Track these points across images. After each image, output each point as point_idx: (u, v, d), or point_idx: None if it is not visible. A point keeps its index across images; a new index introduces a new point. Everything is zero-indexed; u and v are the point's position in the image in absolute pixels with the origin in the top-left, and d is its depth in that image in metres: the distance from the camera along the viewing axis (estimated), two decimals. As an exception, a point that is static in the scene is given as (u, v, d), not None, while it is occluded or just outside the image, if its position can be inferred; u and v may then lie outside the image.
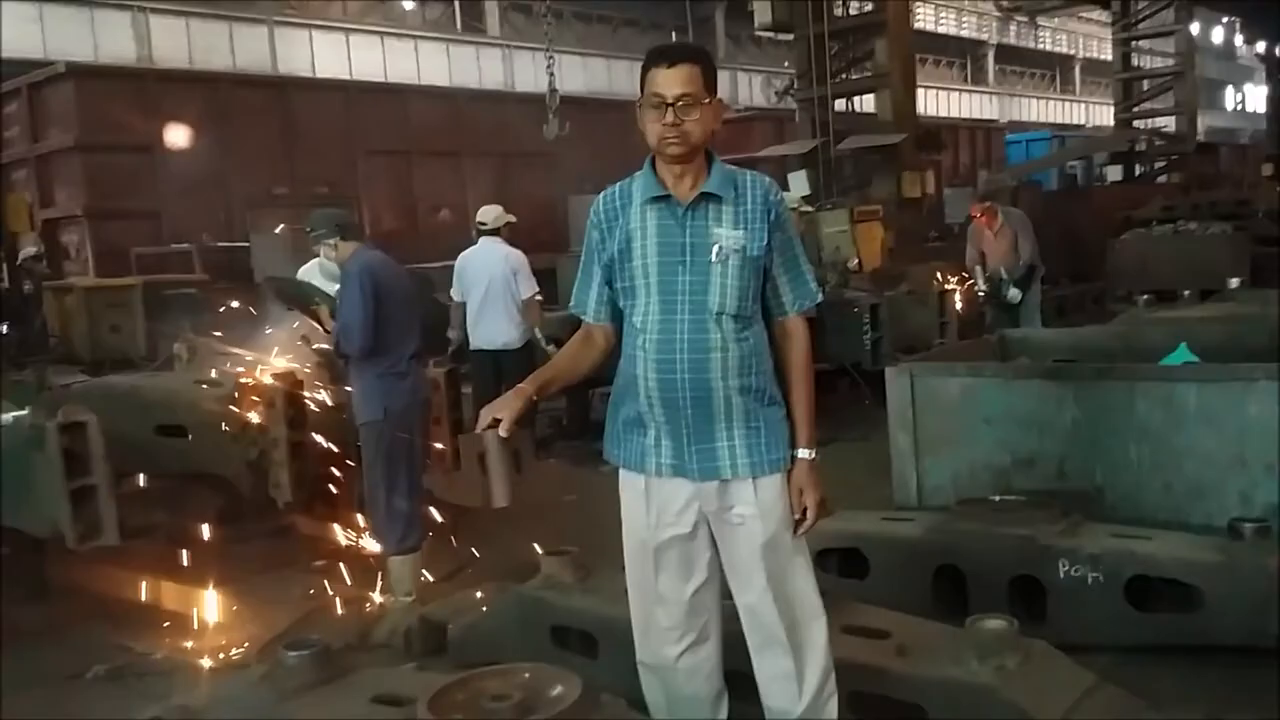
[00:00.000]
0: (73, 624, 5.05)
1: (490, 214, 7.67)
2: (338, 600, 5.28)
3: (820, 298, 2.93)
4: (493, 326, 7.51)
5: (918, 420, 5.24)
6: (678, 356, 2.79)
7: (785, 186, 11.42)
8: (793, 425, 2.90)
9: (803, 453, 2.89)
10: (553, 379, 3.02)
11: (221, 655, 4.62)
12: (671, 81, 2.73)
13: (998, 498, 4.66)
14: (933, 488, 5.23)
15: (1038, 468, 4.97)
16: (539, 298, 7.70)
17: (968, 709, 3.20)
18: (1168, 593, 4.12)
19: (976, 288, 9.42)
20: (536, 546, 4.43)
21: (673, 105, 2.73)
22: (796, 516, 2.90)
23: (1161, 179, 21.87)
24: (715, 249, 2.78)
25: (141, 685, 4.38)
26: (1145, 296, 9.10)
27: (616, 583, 4.25)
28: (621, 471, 3.02)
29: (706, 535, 2.95)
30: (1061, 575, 4.10)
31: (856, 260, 10.75)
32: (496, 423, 2.78)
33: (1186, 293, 8.83)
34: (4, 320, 9.34)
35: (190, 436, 5.39)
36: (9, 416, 4.63)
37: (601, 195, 2.94)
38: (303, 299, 5.18)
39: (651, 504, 2.94)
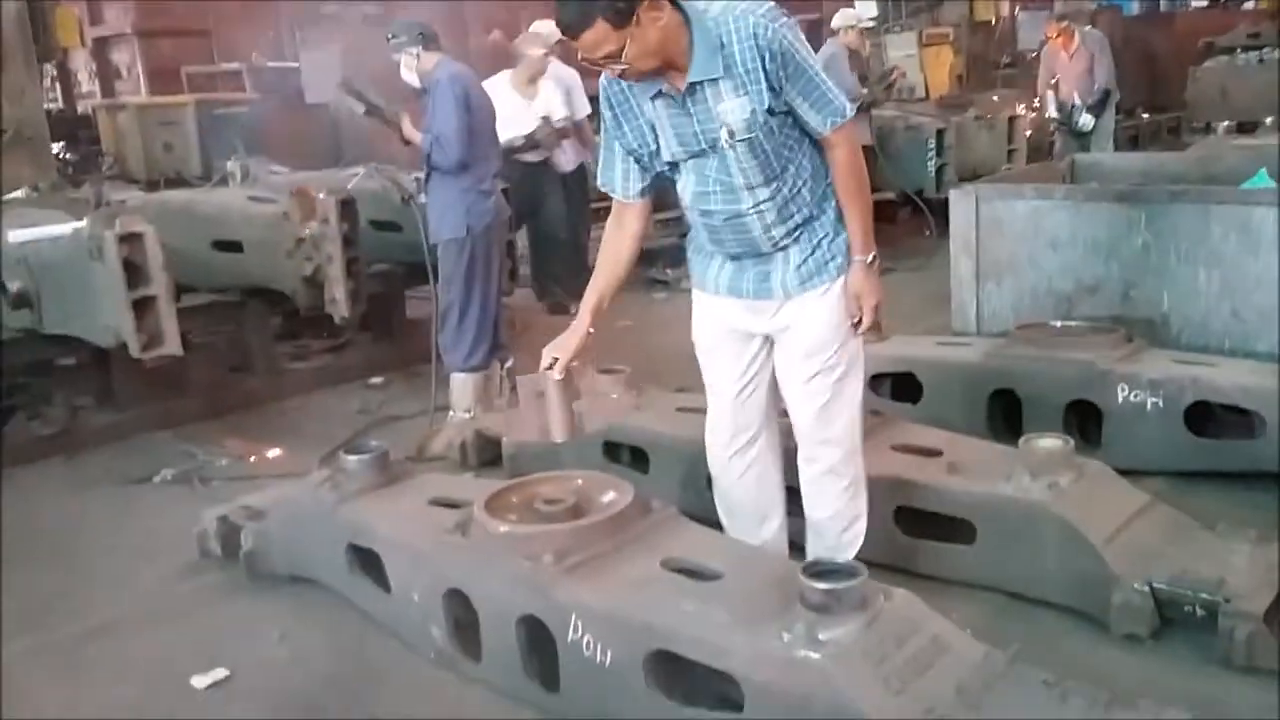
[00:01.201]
0: (139, 432, 5.22)
1: (543, 30, 7.41)
2: (395, 415, 5.40)
3: (851, 112, 2.80)
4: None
5: (981, 245, 5.12)
6: (720, 224, 2.88)
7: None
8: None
9: (858, 258, 2.90)
10: (602, 297, 3.03)
11: (283, 463, 4.74)
12: (585, 49, 2.63)
13: (1059, 323, 4.58)
14: (992, 314, 5.15)
15: (1102, 294, 4.85)
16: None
17: (1017, 525, 3.20)
18: (1227, 420, 4.08)
19: (1048, 113, 9.06)
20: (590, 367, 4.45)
21: (603, 62, 2.65)
22: (855, 320, 2.93)
23: (1248, 4, 20.63)
24: (724, 132, 2.73)
25: (206, 490, 4.53)
26: (1225, 124, 8.75)
27: (667, 401, 4.31)
28: (693, 289, 3.14)
29: (760, 346, 3.05)
30: (1120, 400, 4.04)
31: (923, 86, 10.37)
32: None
33: (1269, 120, 8.43)
34: (60, 139, 9.36)
35: (245, 251, 5.40)
36: (69, 228, 4.66)
37: (604, 77, 2.83)
38: (381, 107, 5.07)
39: (712, 316, 3.07)
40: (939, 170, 8.53)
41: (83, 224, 4.55)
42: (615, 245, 3.03)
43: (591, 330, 2.97)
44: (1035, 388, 4.21)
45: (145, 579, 3.74)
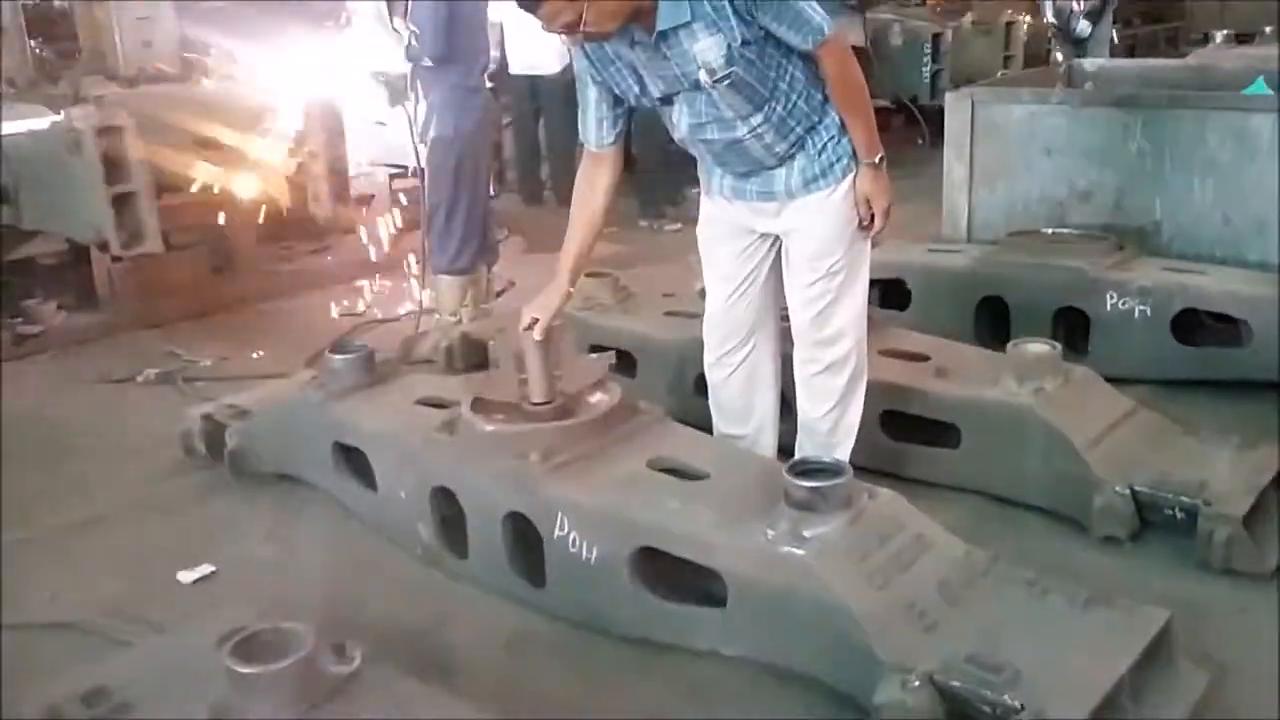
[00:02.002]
0: (121, 331, 5.18)
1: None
2: (380, 317, 5.36)
3: (827, 29, 2.71)
4: (531, 49, 7.21)
5: (975, 150, 5.05)
6: (721, 149, 2.87)
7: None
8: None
9: (865, 160, 2.87)
10: (579, 255, 3.00)
11: (268, 364, 4.72)
12: (545, 20, 2.57)
13: (1050, 231, 4.55)
14: (983, 222, 5.10)
15: (1095, 201, 4.81)
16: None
17: (1003, 429, 3.21)
18: (1214, 329, 4.08)
19: (1045, 19, 8.90)
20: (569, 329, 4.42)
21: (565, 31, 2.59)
22: (865, 223, 2.91)
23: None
24: (703, 74, 2.66)
25: (190, 389, 4.51)
26: (1223, 33, 8.62)
27: (655, 305, 4.29)
28: (702, 196, 3.14)
29: (760, 247, 3.04)
30: (1109, 308, 4.04)
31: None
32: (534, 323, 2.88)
33: (1268, 29, 8.30)
34: (36, 35, 9.11)
35: (226, 149, 5.30)
36: (47, 121, 4.56)
37: None
38: None
39: (716, 217, 3.08)
40: (934, 76, 8.39)
41: (61, 117, 4.45)
42: (589, 201, 2.97)
43: (571, 290, 2.97)
44: (1024, 295, 4.20)
45: (130, 476, 3.74)
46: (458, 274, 4.86)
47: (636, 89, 2.81)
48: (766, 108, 2.74)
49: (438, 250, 4.84)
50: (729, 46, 2.62)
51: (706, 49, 2.62)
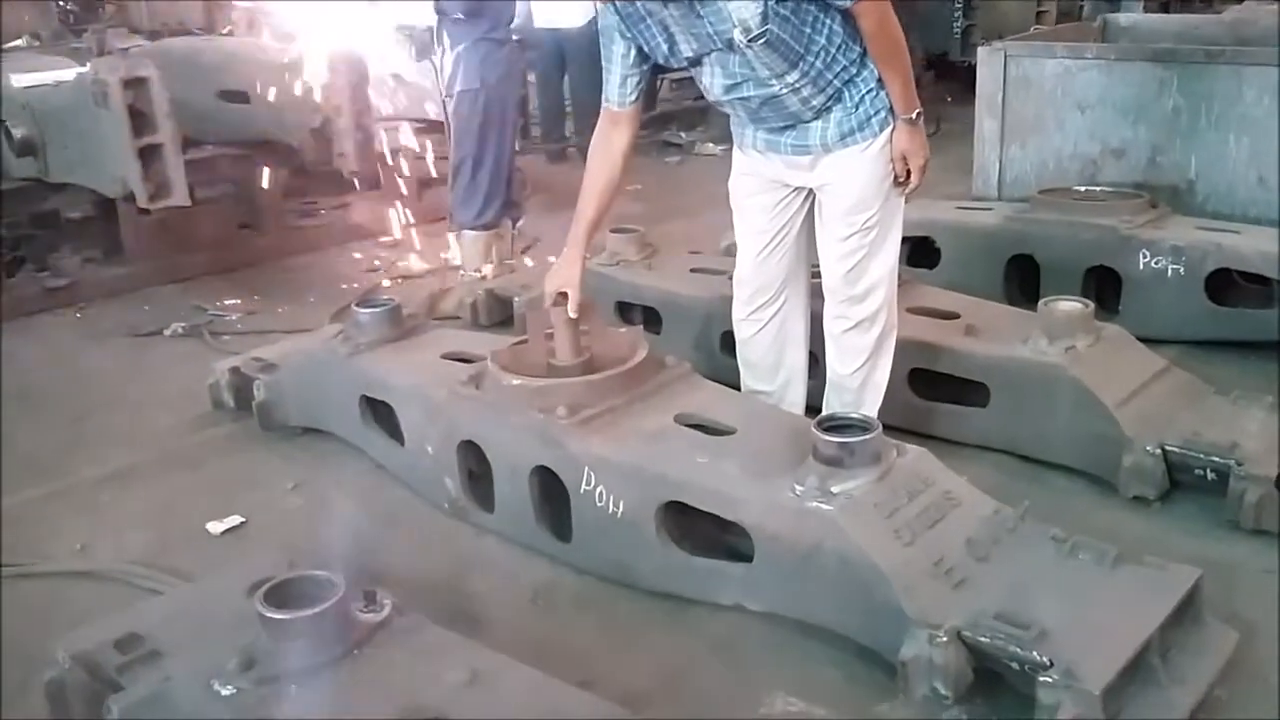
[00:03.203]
0: (147, 286, 5.20)
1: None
2: (407, 273, 5.36)
3: None
4: (556, 3, 7.14)
5: (1006, 106, 5.00)
6: (758, 106, 2.82)
7: None
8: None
9: (902, 116, 2.83)
10: (594, 223, 2.97)
11: (294, 318, 4.73)
12: None
13: (1082, 188, 4.49)
14: (1014, 179, 5.06)
15: (1129, 158, 4.75)
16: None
17: (1033, 387, 3.18)
18: (1248, 290, 4.03)
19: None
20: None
21: None
22: (901, 180, 2.89)
23: None
24: (738, 32, 2.61)
25: (218, 342, 4.53)
26: (1262, -12, 8.43)
27: (680, 262, 4.27)
28: (734, 149, 3.11)
29: (793, 201, 3.02)
30: (1141, 267, 3.99)
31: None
32: (563, 297, 2.88)
33: (1308, -16, 8.10)
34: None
35: (251, 102, 5.28)
36: (73, 73, 4.55)
37: None
38: None
39: (749, 171, 3.05)
40: (965, 32, 8.26)
41: (87, 69, 4.44)
42: (605, 164, 2.94)
43: (588, 256, 2.95)
44: (1055, 253, 4.15)
45: (158, 429, 3.76)
46: (482, 229, 4.85)
47: (666, 48, 2.76)
48: (803, 64, 2.70)
49: (463, 205, 4.83)
50: (765, 4, 2.57)
51: (742, 7, 2.58)
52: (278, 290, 5.16)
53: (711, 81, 2.81)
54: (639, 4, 2.69)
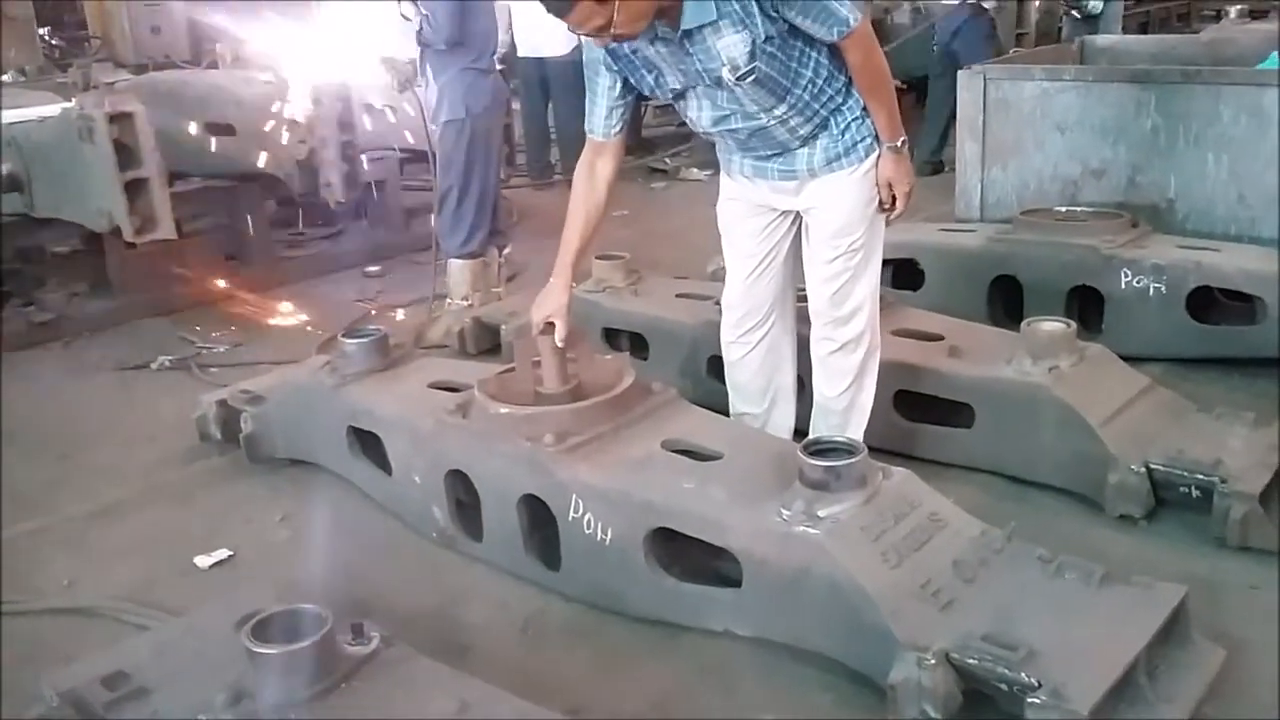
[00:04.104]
0: (134, 318, 5.19)
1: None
2: (393, 302, 5.37)
3: (853, 21, 2.69)
4: (539, 31, 7.18)
5: (987, 128, 5.03)
6: (746, 137, 2.87)
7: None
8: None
9: (887, 144, 2.87)
10: (580, 249, 2.99)
11: (281, 349, 4.73)
12: (574, 24, 2.55)
13: (1063, 209, 4.53)
14: (996, 200, 5.09)
15: (1109, 178, 4.78)
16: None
17: (1017, 407, 3.20)
18: (1229, 308, 4.06)
19: (1057, -5, 8.85)
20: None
21: (595, 34, 2.56)
22: (886, 206, 2.93)
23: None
24: (726, 70, 2.65)
25: (205, 375, 4.53)
26: (1237, 9, 8.54)
27: (667, 287, 4.28)
28: (722, 175, 3.15)
29: (780, 225, 3.05)
30: (1123, 286, 4.02)
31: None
32: (550, 326, 2.89)
33: (1283, 4, 8.22)
34: (45, 24, 9.14)
35: (237, 134, 5.31)
36: (58, 108, 4.57)
37: None
38: None
39: (737, 195, 3.08)
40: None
41: (72, 104, 4.46)
42: (590, 193, 2.95)
43: (574, 285, 2.97)
44: (1037, 274, 4.18)
45: (146, 462, 3.76)
46: (468, 258, 4.87)
47: (652, 81, 2.79)
48: (790, 97, 2.74)
49: (449, 234, 4.84)
50: (753, 43, 2.61)
51: (731, 45, 2.61)
52: (265, 321, 5.15)
53: (699, 115, 2.84)
54: (626, 45, 2.71)
